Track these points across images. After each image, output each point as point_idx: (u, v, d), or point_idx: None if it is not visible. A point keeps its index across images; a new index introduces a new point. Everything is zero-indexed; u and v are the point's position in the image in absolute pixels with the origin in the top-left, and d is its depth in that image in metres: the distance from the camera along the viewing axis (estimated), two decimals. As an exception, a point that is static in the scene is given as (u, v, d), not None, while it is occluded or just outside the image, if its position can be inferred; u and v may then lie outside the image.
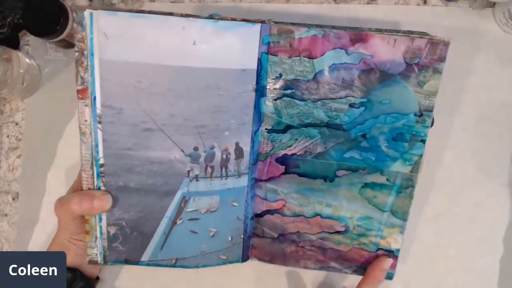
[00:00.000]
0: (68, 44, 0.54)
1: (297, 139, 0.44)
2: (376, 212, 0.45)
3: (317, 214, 0.46)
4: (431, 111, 0.42)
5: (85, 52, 0.39)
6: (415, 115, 0.42)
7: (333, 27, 0.42)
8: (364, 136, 0.44)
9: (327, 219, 0.46)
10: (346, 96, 0.43)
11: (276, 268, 0.49)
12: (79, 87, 0.40)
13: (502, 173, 0.49)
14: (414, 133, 0.43)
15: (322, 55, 0.42)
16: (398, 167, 0.44)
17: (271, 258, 0.47)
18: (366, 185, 0.45)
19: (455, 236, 0.49)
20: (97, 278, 0.50)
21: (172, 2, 0.55)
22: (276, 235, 0.47)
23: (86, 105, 0.40)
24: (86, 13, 0.38)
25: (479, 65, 0.49)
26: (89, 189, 0.43)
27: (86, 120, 0.41)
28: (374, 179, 0.44)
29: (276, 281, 0.51)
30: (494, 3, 0.50)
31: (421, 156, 0.43)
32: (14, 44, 0.56)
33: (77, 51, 0.39)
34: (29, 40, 0.56)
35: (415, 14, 0.51)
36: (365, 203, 0.45)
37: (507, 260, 0.49)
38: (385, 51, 0.41)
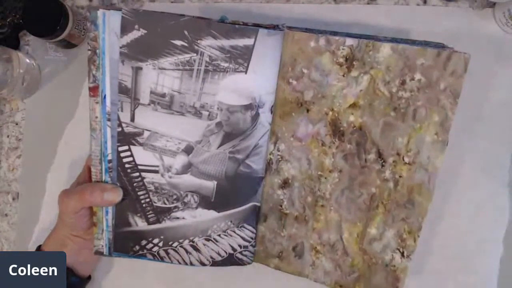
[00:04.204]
0: (68, 44, 0.54)
1: None
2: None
3: None
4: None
5: (97, 51, 0.40)
6: None
7: (347, 34, 0.42)
8: None
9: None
10: None
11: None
12: (91, 85, 0.41)
13: (502, 173, 0.49)
14: None
15: None
16: None
17: None
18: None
19: (456, 237, 0.49)
20: (89, 277, 0.49)
21: (172, 2, 0.55)
22: None
23: (97, 102, 0.41)
24: (100, 12, 0.39)
25: (479, 65, 0.48)
26: None
27: (96, 117, 0.42)
28: None
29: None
30: (494, 3, 0.50)
31: None
32: (14, 44, 0.56)
33: (89, 50, 0.40)
34: (29, 40, 0.57)
35: (415, 14, 0.51)
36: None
37: (507, 260, 0.49)
38: None
